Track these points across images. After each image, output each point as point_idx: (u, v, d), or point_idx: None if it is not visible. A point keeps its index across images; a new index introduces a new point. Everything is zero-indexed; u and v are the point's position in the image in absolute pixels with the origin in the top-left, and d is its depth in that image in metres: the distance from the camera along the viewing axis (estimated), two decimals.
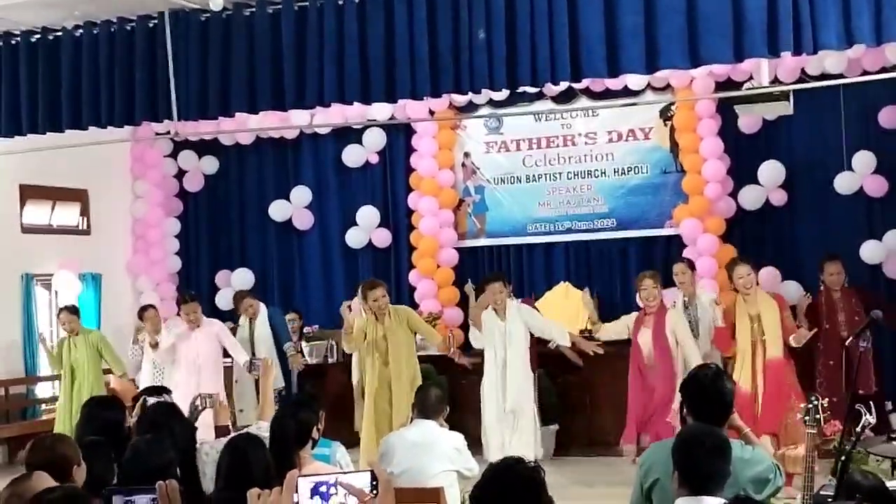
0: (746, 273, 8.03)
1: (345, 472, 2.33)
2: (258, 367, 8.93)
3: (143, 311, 10.34)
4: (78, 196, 11.87)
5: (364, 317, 8.71)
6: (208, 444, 4.94)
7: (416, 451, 5.78)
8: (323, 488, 2.28)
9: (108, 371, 10.28)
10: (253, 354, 9.67)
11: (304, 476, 2.34)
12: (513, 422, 8.53)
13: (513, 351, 8.59)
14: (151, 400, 5.30)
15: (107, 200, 12.16)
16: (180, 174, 12.67)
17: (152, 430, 4.51)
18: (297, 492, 2.28)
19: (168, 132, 9.43)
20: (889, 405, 9.00)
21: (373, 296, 8.56)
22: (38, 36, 8.20)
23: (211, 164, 12.56)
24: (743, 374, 7.93)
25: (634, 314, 8.56)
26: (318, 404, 5.06)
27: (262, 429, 5.45)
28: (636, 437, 8.21)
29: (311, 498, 2.28)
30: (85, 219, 11.99)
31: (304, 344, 10.71)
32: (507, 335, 8.61)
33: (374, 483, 2.27)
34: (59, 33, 8.13)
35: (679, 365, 8.14)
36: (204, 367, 9.39)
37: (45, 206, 11.53)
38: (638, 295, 8.52)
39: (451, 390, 8.06)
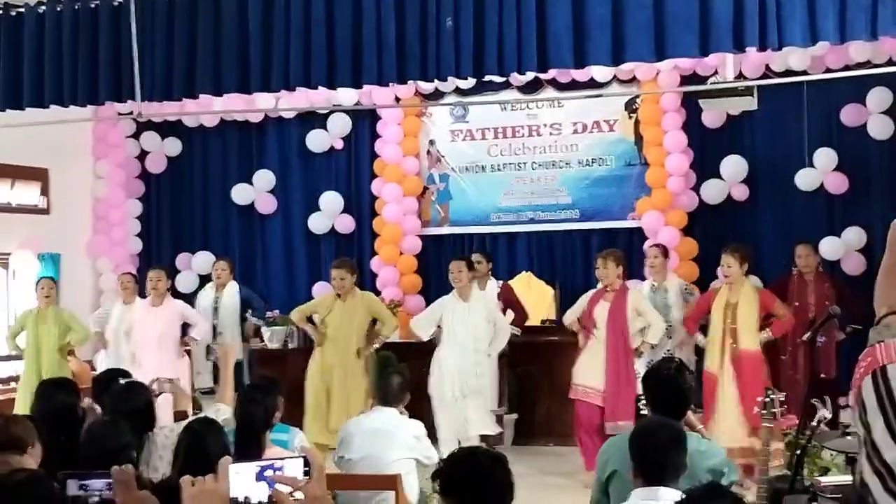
0: (727, 264, 8.23)
1: (282, 458, 2.33)
2: (215, 352, 8.95)
3: (121, 275, 10.33)
4: (38, 175, 11.73)
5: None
6: (168, 428, 4.93)
7: (375, 438, 5.80)
8: (268, 472, 2.28)
9: (70, 352, 10.19)
10: (214, 328, 9.69)
11: (241, 462, 2.34)
12: (467, 404, 8.58)
13: (473, 334, 8.64)
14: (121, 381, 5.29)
15: (68, 180, 12.02)
16: (143, 155, 12.55)
17: (116, 412, 4.55)
18: (230, 478, 2.28)
19: (131, 112, 9.35)
20: (845, 401, 9.15)
21: (334, 273, 8.98)
22: None
23: (174, 146, 12.46)
24: (713, 361, 8.11)
25: (591, 291, 8.65)
26: (279, 389, 5.12)
27: (221, 411, 5.46)
28: None
29: (257, 482, 2.28)
30: (45, 198, 11.85)
31: (263, 328, 10.67)
32: (467, 318, 8.65)
33: (307, 469, 2.28)
34: (22, 10, 8.04)
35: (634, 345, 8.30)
36: (165, 345, 9.35)
37: (4, 185, 11.38)
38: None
39: (412, 378, 8.05)
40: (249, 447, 4.57)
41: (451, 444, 8.15)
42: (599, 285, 8.54)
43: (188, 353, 9.77)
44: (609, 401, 8.13)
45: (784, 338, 8.58)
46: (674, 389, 4.30)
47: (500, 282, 9.91)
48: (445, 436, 8.48)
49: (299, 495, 2.25)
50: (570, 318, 8.69)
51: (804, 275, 9.13)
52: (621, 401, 8.08)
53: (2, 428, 3.95)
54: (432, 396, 8.68)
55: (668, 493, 3.53)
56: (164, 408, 5.59)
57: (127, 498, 2.70)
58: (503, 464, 3.27)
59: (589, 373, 8.25)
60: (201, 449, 3.99)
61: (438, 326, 8.89)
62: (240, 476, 2.28)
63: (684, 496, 3.20)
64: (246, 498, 2.28)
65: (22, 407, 9.32)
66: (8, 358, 10.86)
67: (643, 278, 9.56)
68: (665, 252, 9.26)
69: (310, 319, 9.24)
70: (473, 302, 8.72)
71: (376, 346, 9.05)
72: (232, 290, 10.10)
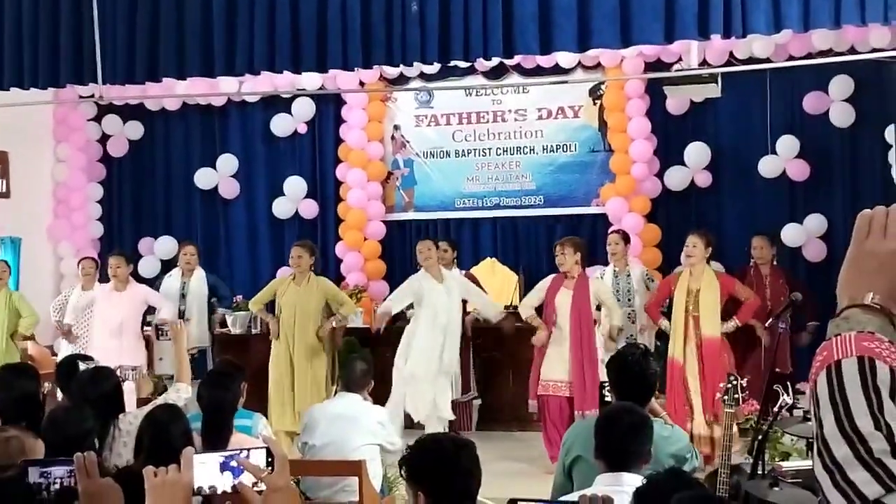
0: (692, 244, 8.19)
1: (246, 448, 2.33)
2: (166, 332, 8.89)
3: (82, 260, 10.21)
4: None
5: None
6: (132, 414, 4.90)
7: (339, 423, 5.79)
8: (233, 463, 2.28)
9: (27, 338, 10.09)
10: (182, 314, 9.62)
11: (209, 449, 2.34)
12: (437, 385, 8.64)
13: (452, 315, 8.71)
14: (83, 366, 5.26)
15: (28, 163, 11.88)
16: (104, 139, 12.43)
17: (83, 398, 4.54)
18: (195, 468, 2.27)
19: (92, 95, 9.25)
20: (802, 386, 9.24)
21: (293, 252, 8.98)
22: None
23: (136, 130, 12.34)
24: (676, 347, 8.10)
25: (549, 277, 8.63)
26: (244, 375, 5.12)
27: (181, 391, 5.45)
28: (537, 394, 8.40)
29: (222, 473, 2.28)
30: (5, 181, 11.71)
31: (227, 314, 10.61)
32: (447, 299, 8.73)
33: (270, 459, 2.28)
34: None
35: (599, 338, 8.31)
36: (125, 331, 9.27)
37: None
38: None
39: (376, 364, 8.06)
40: (220, 432, 4.59)
41: (406, 415, 8.26)
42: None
43: (147, 339, 9.69)
44: (577, 390, 8.15)
45: (745, 326, 8.59)
46: (638, 375, 4.32)
47: (462, 271, 9.90)
48: (407, 409, 8.54)
49: (263, 486, 2.25)
50: (527, 310, 8.58)
51: (759, 267, 9.16)
52: (588, 388, 8.11)
53: None
54: (398, 370, 8.68)
55: (632, 479, 3.54)
56: (127, 396, 5.55)
57: (89, 485, 2.68)
58: (470, 450, 3.28)
59: (557, 367, 8.26)
60: (164, 437, 3.97)
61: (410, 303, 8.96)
62: (205, 466, 2.28)
63: (645, 481, 3.21)
64: (211, 487, 2.27)
65: None
66: None
67: (608, 264, 9.60)
68: (626, 238, 9.29)
69: (271, 306, 9.20)
70: (448, 282, 8.80)
71: (334, 324, 9.02)
72: (200, 276, 10.05)
